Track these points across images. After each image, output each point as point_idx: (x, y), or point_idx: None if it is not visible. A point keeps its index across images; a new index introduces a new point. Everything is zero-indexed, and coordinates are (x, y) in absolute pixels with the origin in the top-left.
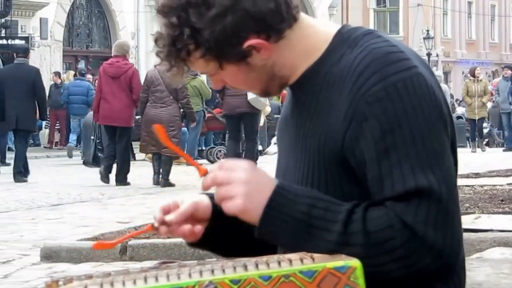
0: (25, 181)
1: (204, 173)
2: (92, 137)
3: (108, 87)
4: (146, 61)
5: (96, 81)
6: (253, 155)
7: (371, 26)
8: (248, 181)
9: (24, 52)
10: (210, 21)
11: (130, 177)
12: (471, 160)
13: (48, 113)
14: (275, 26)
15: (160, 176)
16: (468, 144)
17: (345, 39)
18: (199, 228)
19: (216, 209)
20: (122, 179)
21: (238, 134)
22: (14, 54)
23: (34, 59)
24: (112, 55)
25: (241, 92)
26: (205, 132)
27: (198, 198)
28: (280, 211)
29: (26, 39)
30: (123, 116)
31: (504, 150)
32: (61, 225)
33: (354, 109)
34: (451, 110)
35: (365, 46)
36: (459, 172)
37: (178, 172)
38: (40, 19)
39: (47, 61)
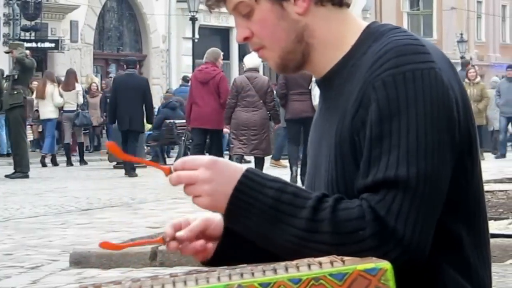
0: (137, 175)
1: (169, 172)
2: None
3: (198, 92)
4: (177, 64)
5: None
6: None
7: None
8: (210, 179)
9: (133, 64)
10: None
11: None
12: (505, 165)
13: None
14: None
15: None
16: None
17: (372, 33)
18: (209, 246)
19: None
20: None
21: (300, 138)
22: (125, 66)
23: (64, 62)
24: (203, 61)
25: (306, 98)
26: None
27: (210, 215)
28: (247, 194)
29: (56, 42)
30: (213, 119)
31: (496, 157)
32: (91, 230)
33: (363, 94)
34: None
35: (387, 37)
36: (493, 177)
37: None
38: (71, 22)
39: (77, 64)
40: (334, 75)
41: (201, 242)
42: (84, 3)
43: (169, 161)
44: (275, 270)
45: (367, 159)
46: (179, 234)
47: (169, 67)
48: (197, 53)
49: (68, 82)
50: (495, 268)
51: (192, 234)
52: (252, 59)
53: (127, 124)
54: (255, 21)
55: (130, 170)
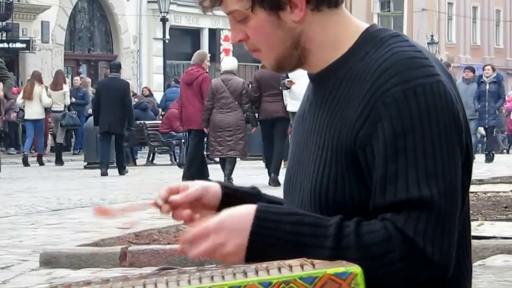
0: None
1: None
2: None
3: (184, 93)
4: (148, 65)
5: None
6: (281, 156)
7: None
8: (225, 241)
9: (117, 68)
10: None
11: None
12: (474, 167)
13: None
14: None
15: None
16: None
17: (372, 38)
18: (196, 216)
19: (227, 198)
20: (188, 178)
21: (273, 138)
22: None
23: (35, 63)
24: (191, 63)
25: (278, 100)
26: None
27: (209, 184)
28: (265, 235)
29: (27, 42)
30: (196, 120)
31: None
32: (61, 231)
33: (370, 108)
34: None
35: (390, 47)
36: None
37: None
38: (42, 22)
39: (48, 65)
40: (329, 74)
41: (187, 211)
42: (55, 3)
43: (139, 161)
44: (245, 273)
45: (383, 176)
46: (173, 197)
47: (139, 68)
48: (168, 54)
49: (57, 82)
50: None
51: (187, 200)
52: (229, 62)
53: (107, 126)
54: (250, 27)
55: (121, 169)
